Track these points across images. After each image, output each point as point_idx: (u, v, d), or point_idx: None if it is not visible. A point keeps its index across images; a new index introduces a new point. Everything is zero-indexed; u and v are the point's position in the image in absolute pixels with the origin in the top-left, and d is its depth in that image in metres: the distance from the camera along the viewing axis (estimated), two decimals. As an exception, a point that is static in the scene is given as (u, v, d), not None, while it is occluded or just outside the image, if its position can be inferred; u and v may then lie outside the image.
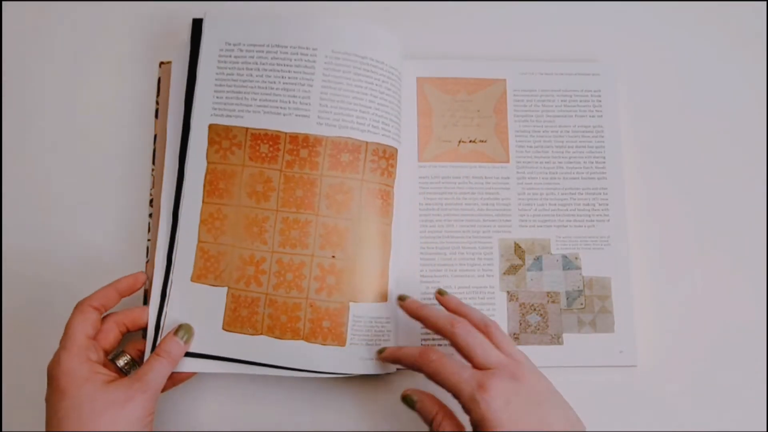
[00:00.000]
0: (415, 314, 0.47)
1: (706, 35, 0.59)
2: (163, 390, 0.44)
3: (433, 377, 0.42)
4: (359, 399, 0.50)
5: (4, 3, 0.57)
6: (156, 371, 0.43)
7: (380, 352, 0.47)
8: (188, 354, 0.47)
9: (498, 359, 0.42)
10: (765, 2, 0.59)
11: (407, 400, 0.44)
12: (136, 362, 0.46)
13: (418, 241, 0.53)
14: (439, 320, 0.44)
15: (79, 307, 0.44)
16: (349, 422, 0.50)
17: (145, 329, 0.47)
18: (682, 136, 0.56)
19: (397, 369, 0.50)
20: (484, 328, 0.44)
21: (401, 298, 0.48)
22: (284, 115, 0.50)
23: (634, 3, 0.59)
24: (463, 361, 0.43)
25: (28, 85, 0.55)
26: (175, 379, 0.46)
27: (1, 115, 0.55)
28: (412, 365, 0.44)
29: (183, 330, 0.46)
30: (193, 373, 0.47)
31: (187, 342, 0.46)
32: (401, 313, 0.49)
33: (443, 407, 0.43)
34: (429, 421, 0.42)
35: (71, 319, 0.43)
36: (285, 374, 0.47)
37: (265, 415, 0.50)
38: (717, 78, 0.58)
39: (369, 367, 0.48)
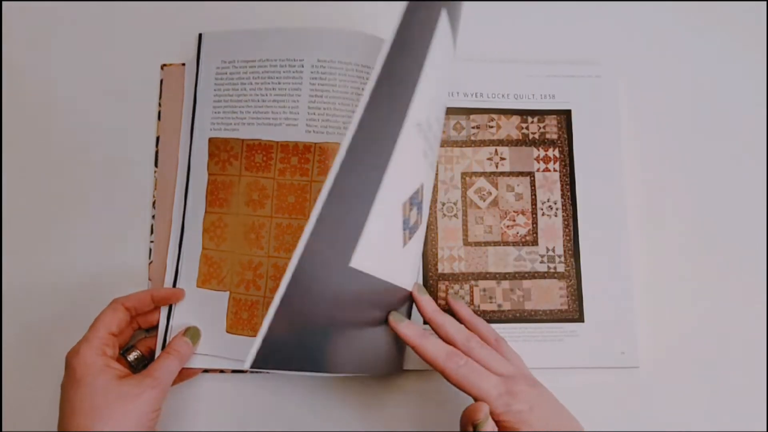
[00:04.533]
0: (429, 317, 0.46)
1: (708, 37, 0.58)
2: (172, 384, 0.46)
3: (460, 383, 0.41)
4: (361, 400, 0.51)
5: (4, 3, 0.56)
6: (165, 368, 0.45)
7: (397, 320, 0.44)
8: (196, 354, 0.49)
9: (512, 371, 0.43)
10: (765, 2, 0.59)
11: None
12: (146, 358, 0.48)
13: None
14: (456, 335, 0.44)
15: (112, 304, 0.46)
16: (350, 423, 0.50)
17: (150, 329, 0.50)
18: (683, 138, 0.56)
19: (405, 369, 0.50)
20: (494, 343, 0.45)
21: (420, 291, 0.47)
22: (275, 125, 0.51)
23: (636, 4, 0.59)
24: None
25: (29, 85, 0.55)
26: (183, 375, 0.48)
27: (2, 115, 0.54)
28: (435, 367, 0.42)
29: (191, 332, 0.48)
30: (201, 370, 0.49)
31: (194, 343, 0.48)
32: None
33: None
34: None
35: (102, 314, 0.45)
36: (282, 372, 0.48)
37: (266, 416, 0.50)
38: (718, 79, 0.58)
39: (362, 368, 0.48)
